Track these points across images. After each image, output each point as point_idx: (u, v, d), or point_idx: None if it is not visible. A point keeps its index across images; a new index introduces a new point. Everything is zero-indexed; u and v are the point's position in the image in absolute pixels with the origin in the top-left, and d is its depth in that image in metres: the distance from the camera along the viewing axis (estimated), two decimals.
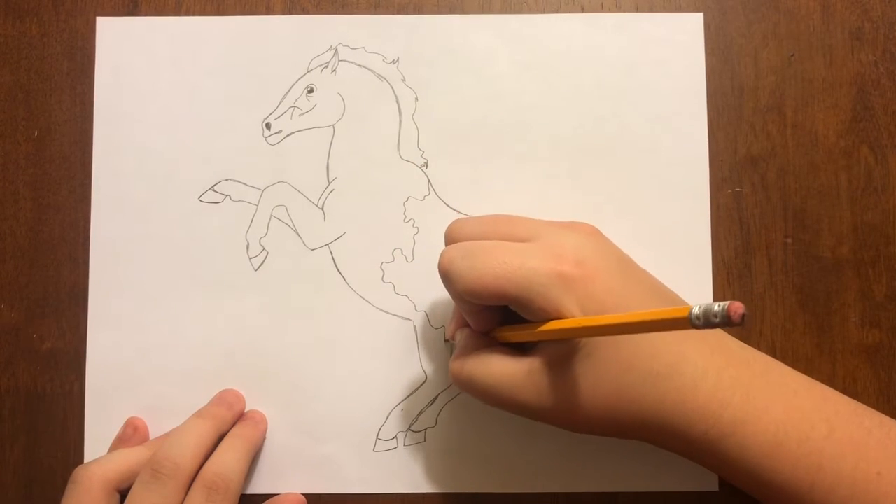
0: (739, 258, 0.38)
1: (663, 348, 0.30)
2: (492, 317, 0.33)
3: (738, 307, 0.21)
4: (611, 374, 0.30)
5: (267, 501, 0.37)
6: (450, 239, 0.33)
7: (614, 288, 0.30)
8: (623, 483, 0.37)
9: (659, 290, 0.33)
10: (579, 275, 0.29)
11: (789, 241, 0.38)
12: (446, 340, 0.38)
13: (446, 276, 0.31)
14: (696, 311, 0.23)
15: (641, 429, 0.31)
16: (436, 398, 0.38)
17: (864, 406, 0.32)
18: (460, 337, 0.34)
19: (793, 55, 0.39)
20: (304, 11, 0.39)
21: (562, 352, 0.30)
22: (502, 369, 0.31)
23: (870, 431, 0.30)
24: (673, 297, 0.33)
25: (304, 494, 0.37)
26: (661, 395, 0.30)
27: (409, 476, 0.37)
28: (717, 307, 0.22)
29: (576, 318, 0.29)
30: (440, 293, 0.38)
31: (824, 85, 0.39)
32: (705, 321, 0.22)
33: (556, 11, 0.39)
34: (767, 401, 0.30)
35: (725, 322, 0.22)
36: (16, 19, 0.39)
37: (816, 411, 0.30)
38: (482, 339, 0.33)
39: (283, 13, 0.39)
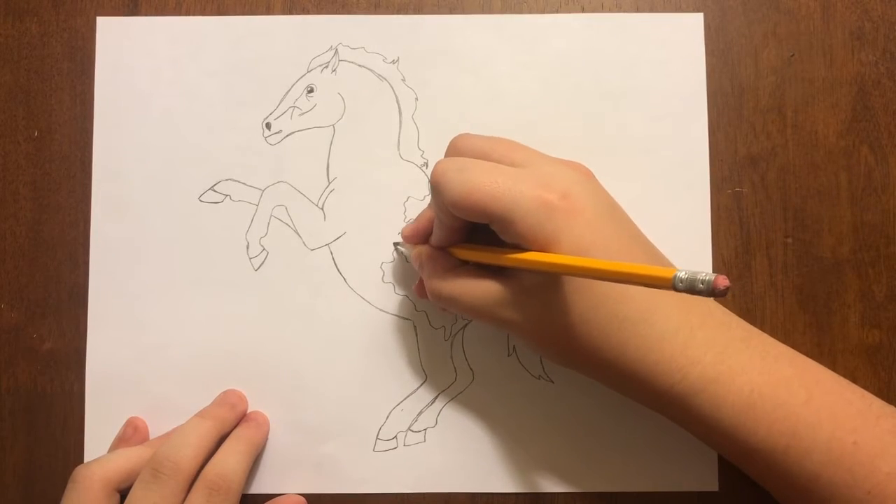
0: (739, 258, 0.38)
1: (637, 295, 0.30)
2: (461, 235, 0.33)
3: (723, 280, 0.22)
4: (578, 307, 0.30)
5: (267, 503, 0.37)
6: (452, 150, 0.33)
7: (597, 228, 0.30)
8: (623, 483, 0.37)
9: (642, 242, 0.33)
10: (564, 207, 0.30)
11: (789, 241, 0.38)
12: (396, 245, 0.38)
13: (437, 186, 0.31)
14: (681, 275, 0.23)
15: (606, 371, 0.31)
16: (436, 398, 0.38)
17: (848, 381, 0.32)
18: (424, 255, 0.34)
19: (793, 55, 0.39)
20: (304, 11, 0.39)
21: (536, 277, 0.31)
22: (482, 289, 0.32)
23: (850, 402, 0.30)
24: (655, 253, 0.33)
25: (303, 494, 0.37)
26: (623, 340, 0.30)
27: (409, 476, 0.37)
28: (702, 275, 0.23)
29: (557, 255, 0.29)
30: None
31: (824, 85, 0.39)
32: (688, 286, 0.23)
33: (556, 11, 0.39)
34: (743, 363, 0.30)
35: (709, 292, 0.22)
36: (16, 19, 0.39)
37: (796, 378, 0.31)
38: (449, 259, 0.34)
39: (283, 13, 0.39)
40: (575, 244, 0.29)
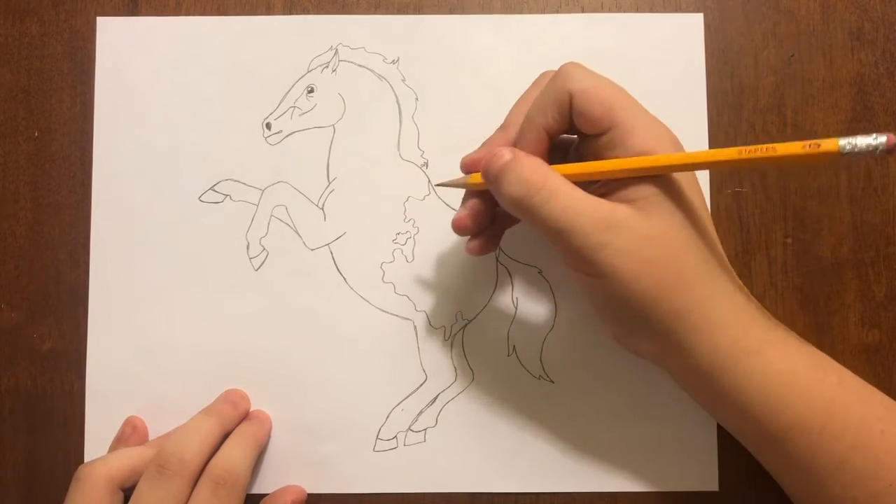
0: (739, 258, 0.38)
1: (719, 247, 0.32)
2: (547, 147, 0.32)
3: (893, 137, 0.24)
4: (680, 238, 0.30)
5: (268, 495, 0.37)
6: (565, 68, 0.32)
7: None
8: (623, 483, 0.37)
9: None
10: (678, 142, 0.31)
11: (789, 241, 0.38)
12: (438, 185, 0.36)
13: (566, 72, 0.31)
14: (847, 138, 0.25)
15: (678, 321, 0.30)
16: (436, 398, 0.38)
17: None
18: (518, 153, 0.31)
19: (793, 55, 0.39)
20: (305, 11, 0.39)
21: (644, 197, 0.30)
22: (589, 204, 0.29)
23: (874, 392, 0.31)
24: None
25: None
26: (704, 276, 0.30)
27: (409, 476, 0.37)
28: (872, 137, 0.25)
29: (702, 151, 0.29)
30: (440, 293, 0.38)
31: (824, 85, 0.39)
32: (855, 148, 0.25)
33: (556, 11, 0.39)
34: (784, 337, 0.31)
35: (885, 150, 0.24)
36: (16, 19, 0.39)
37: (829, 362, 0.31)
38: (548, 167, 0.30)
39: (284, 13, 0.39)
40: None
